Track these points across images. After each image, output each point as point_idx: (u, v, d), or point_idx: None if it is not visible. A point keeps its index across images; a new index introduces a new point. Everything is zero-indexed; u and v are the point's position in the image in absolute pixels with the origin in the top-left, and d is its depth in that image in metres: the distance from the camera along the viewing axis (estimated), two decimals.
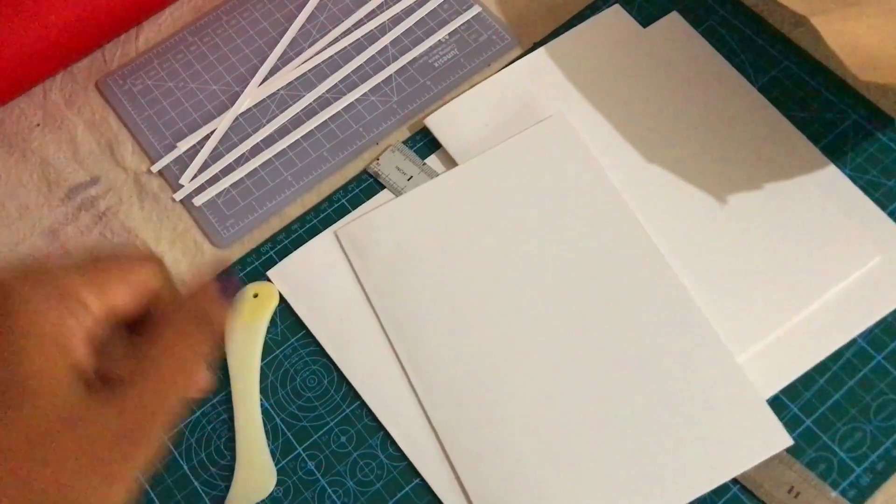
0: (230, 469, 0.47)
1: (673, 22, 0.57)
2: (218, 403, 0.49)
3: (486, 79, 0.56)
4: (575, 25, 0.57)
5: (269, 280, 0.51)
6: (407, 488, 0.46)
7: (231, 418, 0.48)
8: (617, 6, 0.57)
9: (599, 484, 0.44)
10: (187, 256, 0.53)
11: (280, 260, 0.52)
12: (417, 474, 0.46)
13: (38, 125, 0.58)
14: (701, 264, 0.49)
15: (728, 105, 0.53)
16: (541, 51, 0.56)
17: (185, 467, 0.47)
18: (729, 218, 0.50)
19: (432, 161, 0.54)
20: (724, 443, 0.44)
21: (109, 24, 0.59)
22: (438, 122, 0.54)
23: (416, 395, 0.48)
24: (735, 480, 0.44)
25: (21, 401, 0.26)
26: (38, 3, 0.55)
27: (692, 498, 0.43)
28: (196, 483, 0.47)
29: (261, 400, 0.48)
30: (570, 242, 0.50)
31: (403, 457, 0.47)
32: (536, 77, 0.55)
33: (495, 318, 0.48)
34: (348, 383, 0.49)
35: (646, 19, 0.57)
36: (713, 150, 0.52)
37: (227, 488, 0.47)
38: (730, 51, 0.55)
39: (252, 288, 0.51)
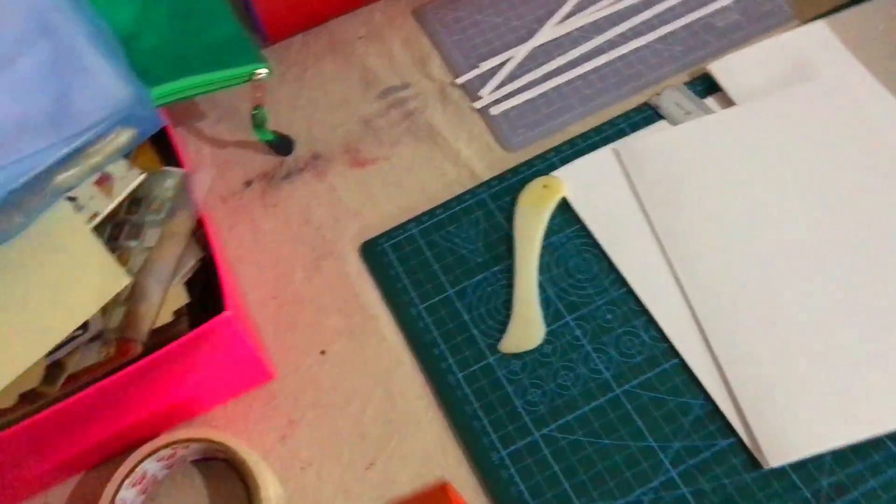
0: (504, 324, 0.53)
1: None
2: (499, 271, 0.55)
3: (763, 42, 0.61)
4: (857, 4, 0.62)
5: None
6: (665, 365, 0.51)
7: (509, 286, 0.55)
8: None
9: (851, 382, 0.47)
10: (480, 154, 0.61)
11: (561, 165, 0.59)
12: (677, 355, 0.51)
13: (361, 38, 0.68)
14: None
15: None
16: (822, 22, 0.61)
17: (466, 317, 0.54)
18: None
19: (710, 102, 0.60)
20: None
21: None
22: (722, 69, 0.60)
23: (682, 288, 0.52)
24: None
25: None
26: None
27: None
28: (475, 330, 0.53)
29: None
30: (841, 181, 0.54)
31: (664, 339, 0.51)
32: (817, 43, 0.60)
33: (761, 235, 0.53)
34: (617, 272, 0.54)
35: None
36: None
37: (499, 339, 0.53)
38: None
39: (542, 180, 0.57)
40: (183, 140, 0.64)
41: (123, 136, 0.50)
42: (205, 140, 0.65)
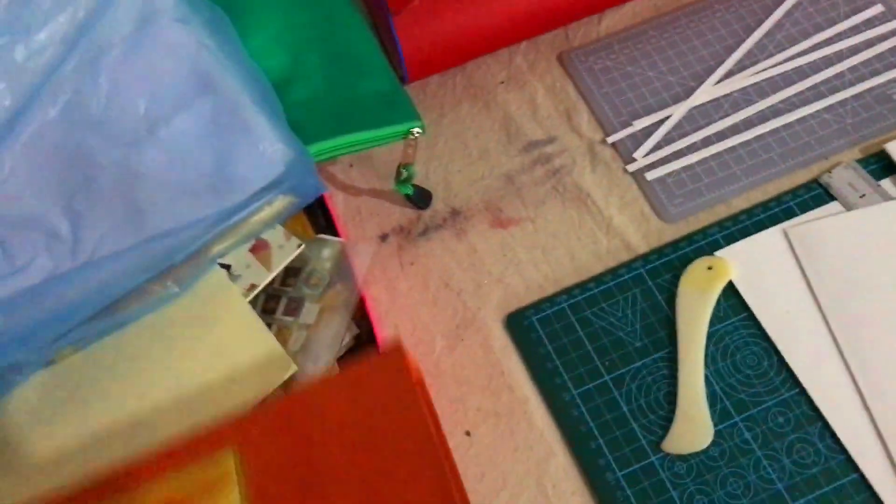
0: (667, 419, 0.50)
1: None
2: (660, 359, 0.52)
3: None
4: None
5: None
6: (844, 480, 0.47)
7: (671, 374, 0.51)
8: None
9: None
10: (634, 223, 0.57)
11: (725, 244, 0.55)
12: (857, 470, 0.47)
13: (502, 83, 0.65)
14: None
15: None
16: None
17: (625, 409, 0.51)
18: None
19: (886, 185, 0.56)
20: None
21: (575, 9, 0.65)
22: None
23: (861, 395, 0.49)
24: None
25: None
26: None
27: None
28: (634, 424, 0.50)
29: None
30: None
31: (842, 450, 0.48)
32: None
33: None
34: (789, 370, 0.51)
35: None
36: None
37: (663, 436, 0.50)
38: None
39: (706, 261, 0.54)
40: None
41: (282, 203, 0.47)
42: (337, 186, 0.62)
